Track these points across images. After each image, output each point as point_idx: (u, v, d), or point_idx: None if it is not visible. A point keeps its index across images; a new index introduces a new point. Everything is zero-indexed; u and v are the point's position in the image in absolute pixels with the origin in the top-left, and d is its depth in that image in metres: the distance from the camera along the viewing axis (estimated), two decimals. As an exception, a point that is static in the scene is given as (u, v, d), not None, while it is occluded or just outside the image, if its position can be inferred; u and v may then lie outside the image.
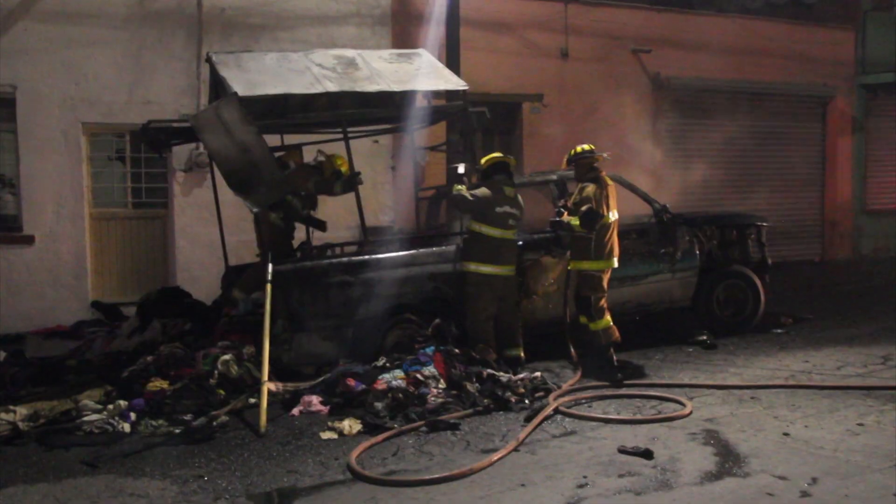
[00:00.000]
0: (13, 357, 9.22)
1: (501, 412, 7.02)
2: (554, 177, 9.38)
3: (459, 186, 8.49)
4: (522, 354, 8.43)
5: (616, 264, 8.53)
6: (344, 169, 9.19)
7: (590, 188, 8.28)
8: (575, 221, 8.24)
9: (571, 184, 9.14)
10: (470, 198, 8.32)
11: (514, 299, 8.59)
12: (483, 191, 8.39)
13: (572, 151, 8.58)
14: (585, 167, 8.50)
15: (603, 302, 8.41)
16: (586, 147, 8.54)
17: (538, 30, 14.63)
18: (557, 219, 8.53)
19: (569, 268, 8.65)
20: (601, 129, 14.05)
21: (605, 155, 8.62)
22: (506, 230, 8.39)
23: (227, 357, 7.75)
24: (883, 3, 18.00)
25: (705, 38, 15.89)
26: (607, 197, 8.35)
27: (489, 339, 8.31)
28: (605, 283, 8.43)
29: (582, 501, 4.96)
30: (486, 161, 8.64)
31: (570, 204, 8.52)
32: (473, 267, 8.37)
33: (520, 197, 8.60)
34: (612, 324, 8.42)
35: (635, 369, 8.45)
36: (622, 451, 5.81)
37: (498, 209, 8.34)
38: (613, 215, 8.40)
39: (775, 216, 14.15)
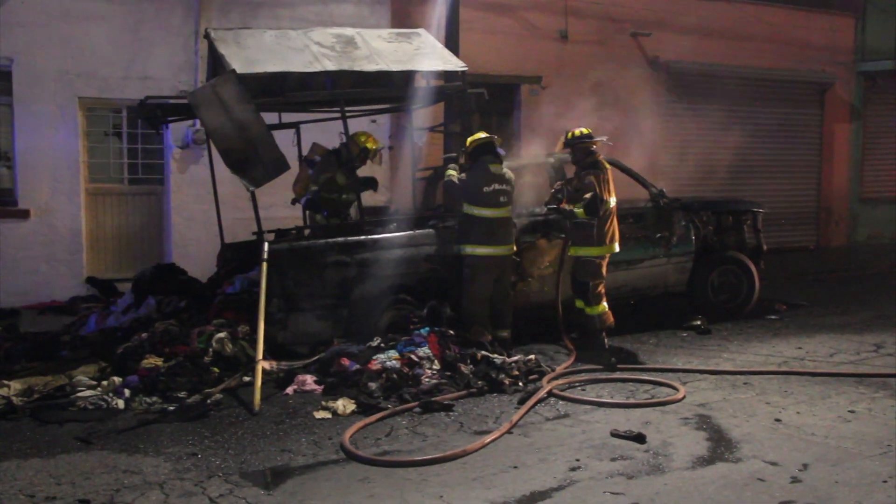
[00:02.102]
0: (7, 332, 9.23)
1: (495, 394, 7.03)
2: (551, 159, 9.36)
3: (451, 171, 8.52)
4: (509, 336, 8.43)
5: (617, 249, 8.53)
6: (369, 145, 9.33)
7: (591, 175, 8.25)
8: (578, 209, 8.22)
9: (568, 166, 9.13)
10: (457, 181, 8.38)
11: (509, 281, 8.58)
12: (467, 173, 8.42)
13: (569, 134, 8.51)
14: (583, 151, 8.46)
15: (601, 288, 8.43)
16: (584, 130, 8.49)
17: (538, 11, 14.58)
18: (558, 206, 8.52)
19: (569, 253, 8.63)
20: (599, 111, 14.00)
21: (603, 139, 8.59)
22: (498, 208, 8.32)
23: (221, 335, 7.75)
24: (884, -10, 17.97)
25: (705, 22, 15.86)
26: (607, 182, 8.34)
27: (483, 321, 8.31)
28: (604, 270, 8.44)
29: (574, 484, 4.98)
30: (471, 143, 8.53)
31: (570, 190, 8.49)
32: (470, 249, 8.34)
33: (509, 173, 8.52)
34: (607, 309, 8.44)
35: (629, 354, 8.47)
36: (615, 434, 5.84)
37: (486, 188, 8.29)
38: (612, 200, 8.39)
39: (771, 202, 14.16)
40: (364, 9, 13.15)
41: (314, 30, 9.25)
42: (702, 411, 6.41)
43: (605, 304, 8.44)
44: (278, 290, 7.85)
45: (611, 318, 8.45)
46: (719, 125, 15.82)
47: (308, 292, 8.04)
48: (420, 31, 9.82)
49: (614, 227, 8.45)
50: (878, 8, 17.86)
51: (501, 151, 8.56)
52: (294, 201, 9.83)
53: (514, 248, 8.60)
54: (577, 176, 8.46)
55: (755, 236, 10.53)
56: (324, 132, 10.35)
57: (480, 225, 8.31)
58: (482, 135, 8.58)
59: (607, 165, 8.48)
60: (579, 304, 8.56)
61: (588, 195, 8.14)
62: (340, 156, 9.32)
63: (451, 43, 11.38)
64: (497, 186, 8.32)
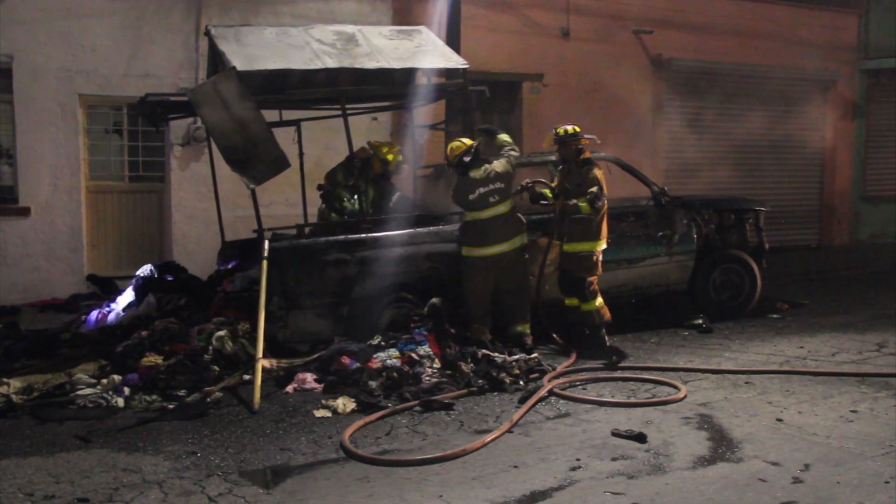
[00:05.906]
0: (8, 329, 9.22)
1: (496, 393, 7.01)
2: (552, 157, 9.33)
3: None
4: (528, 331, 8.41)
5: (605, 246, 8.53)
6: (390, 157, 9.23)
7: (596, 171, 8.30)
8: (583, 203, 8.19)
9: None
10: (451, 193, 8.56)
11: (518, 276, 8.49)
12: (456, 183, 8.52)
13: (560, 130, 8.50)
14: (573, 149, 8.49)
15: (596, 283, 8.41)
16: (575, 129, 8.49)
17: (539, 9, 14.54)
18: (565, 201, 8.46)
19: (564, 249, 8.58)
20: (601, 109, 14.03)
21: (593, 137, 8.60)
22: (490, 208, 8.32)
23: (221, 333, 7.74)
24: (888, -12, 17.93)
25: (707, 19, 15.82)
26: (604, 178, 8.39)
27: (482, 319, 8.34)
28: (599, 265, 8.42)
29: (574, 484, 4.96)
30: (453, 156, 8.39)
31: (566, 187, 8.46)
32: (465, 251, 8.46)
33: (495, 167, 8.34)
34: (603, 304, 8.43)
35: (630, 353, 8.44)
36: (616, 434, 5.81)
37: (471, 196, 8.35)
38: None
39: (774, 201, 14.11)
40: (365, 6, 13.13)
41: (315, 27, 9.23)
42: (703, 411, 6.39)
43: (600, 298, 8.43)
44: (279, 288, 7.84)
45: (608, 314, 8.44)
46: (721, 123, 15.80)
47: (308, 290, 8.03)
48: (421, 28, 9.80)
49: (605, 224, 8.49)
50: (882, 5, 17.82)
51: (495, 131, 8.79)
52: (320, 186, 9.68)
53: (520, 243, 8.47)
54: (575, 172, 8.42)
55: (757, 235, 10.50)
56: (325, 130, 10.34)
57: (474, 228, 8.41)
58: (459, 145, 8.43)
59: (597, 163, 8.51)
60: (571, 301, 8.54)
61: (594, 188, 8.17)
62: (353, 165, 9.22)
63: (453, 40, 11.35)
64: (482, 190, 8.31)
